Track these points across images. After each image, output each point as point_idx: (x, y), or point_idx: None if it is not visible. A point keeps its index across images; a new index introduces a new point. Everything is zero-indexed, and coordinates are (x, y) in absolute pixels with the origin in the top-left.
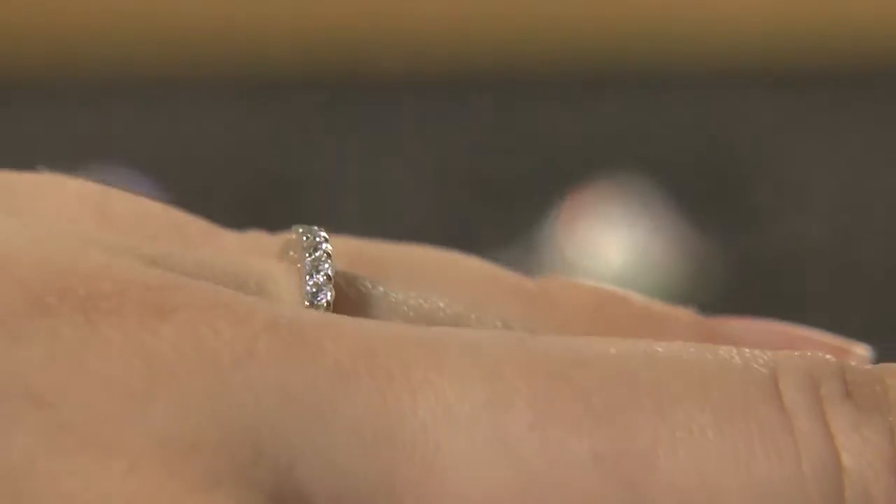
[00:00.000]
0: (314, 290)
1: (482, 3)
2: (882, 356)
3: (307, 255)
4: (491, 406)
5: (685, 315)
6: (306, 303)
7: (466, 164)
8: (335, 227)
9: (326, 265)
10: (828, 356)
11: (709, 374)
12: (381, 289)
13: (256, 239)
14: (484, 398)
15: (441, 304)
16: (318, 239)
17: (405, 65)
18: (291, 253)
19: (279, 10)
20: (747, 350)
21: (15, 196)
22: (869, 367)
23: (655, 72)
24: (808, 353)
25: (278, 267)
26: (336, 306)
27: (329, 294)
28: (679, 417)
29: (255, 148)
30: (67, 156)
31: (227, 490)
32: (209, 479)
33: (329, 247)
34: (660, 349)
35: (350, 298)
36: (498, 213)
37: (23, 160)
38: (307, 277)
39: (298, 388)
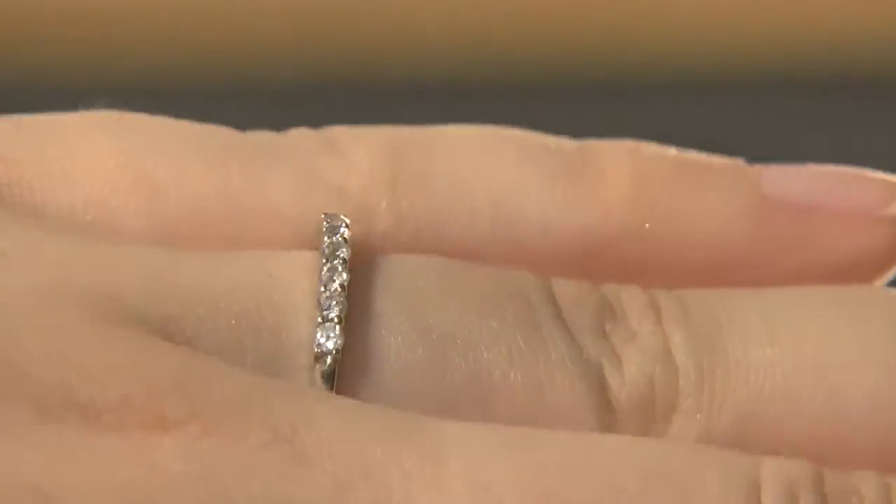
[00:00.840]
0: (327, 297)
1: (479, 7)
2: None
3: (326, 238)
4: None
5: (727, 165)
6: (319, 318)
7: None
8: None
9: (343, 250)
10: (808, 464)
11: (694, 486)
12: (394, 262)
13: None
14: None
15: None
16: (337, 223)
17: (406, 70)
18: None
19: (279, 14)
20: (733, 455)
21: (30, 189)
22: (848, 475)
23: (655, 78)
24: (790, 462)
25: (300, 266)
26: (354, 274)
27: (339, 309)
28: None
29: None
30: None
31: None
32: None
33: (347, 231)
34: (648, 460)
35: (365, 274)
36: None
37: None
38: (323, 264)
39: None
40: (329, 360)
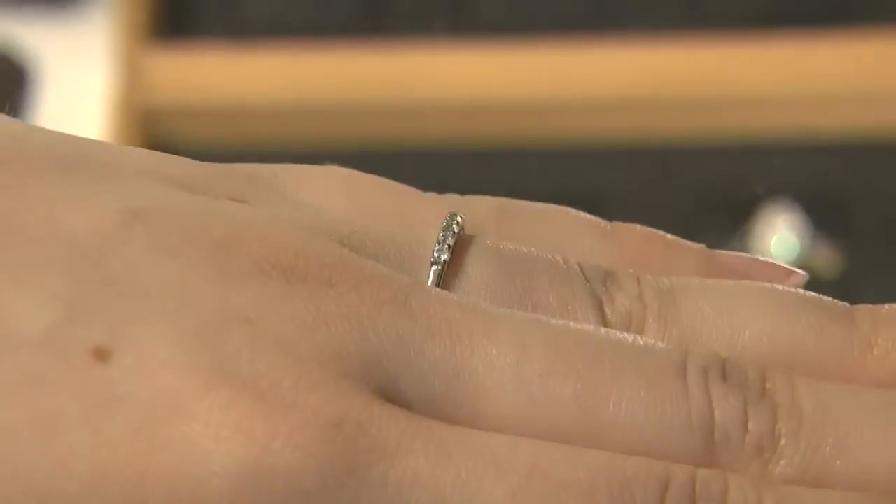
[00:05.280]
0: (439, 250)
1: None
2: None
3: (445, 221)
4: (518, 363)
5: (696, 247)
6: (431, 259)
7: None
8: None
9: (455, 228)
10: (718, 353)
11: (644, 356)
12: (488, 242)
13: (446, 205)
14: (514, 358)
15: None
16: (455, 216)
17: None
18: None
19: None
20: (665, 344)
21: (284, 185)
22: (742, 360)
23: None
24: (705, 351)
25: (431, 233)
26: (455, 248)
27: (445, 256)
28: (625, 382)
29: None
30: None
31: (350, 382)
32: (349, 379)
33: (461, 217)
34: (613, 333)
35: (465, 249)
36: None
37: None
38: (440, 236)
39: (405, 335)
40: (438, 267)
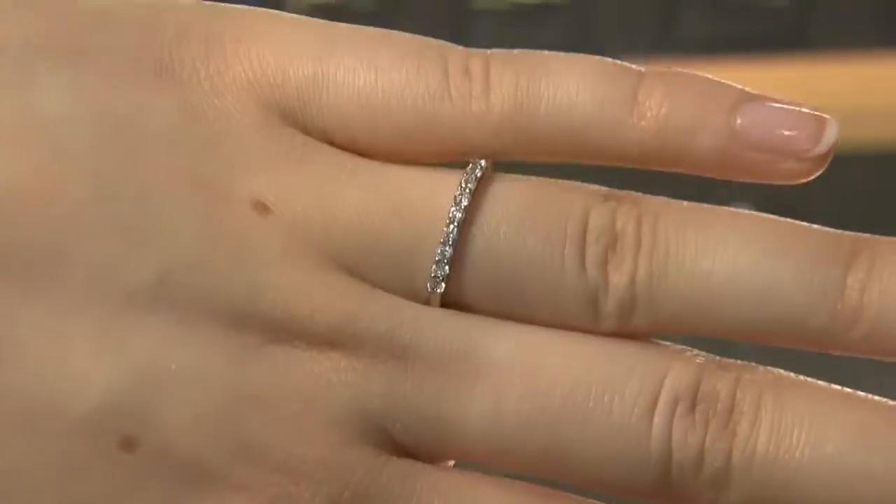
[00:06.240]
0: (460, 194)
1: None
2: None
3: (468, 172)
4: (497, 408)
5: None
6: (453, 205)
7: None
8: None
9: (476, 174)
10: (694, 376)
11: (615, 396)
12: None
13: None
14: (493, 404)
15: None
16: (477, 166)
17: None
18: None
19: None
20: (642, 373)
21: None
22: (716, 376)
23: None
24: (681, 378)
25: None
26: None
27: (466, 201)
28: (591, 433)
29: None
30: None
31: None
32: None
33: (481, 169)
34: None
35: (483, 191)
36: None
37: None
38: (461, 185)
39: (398, 394)
40: (454, 225)
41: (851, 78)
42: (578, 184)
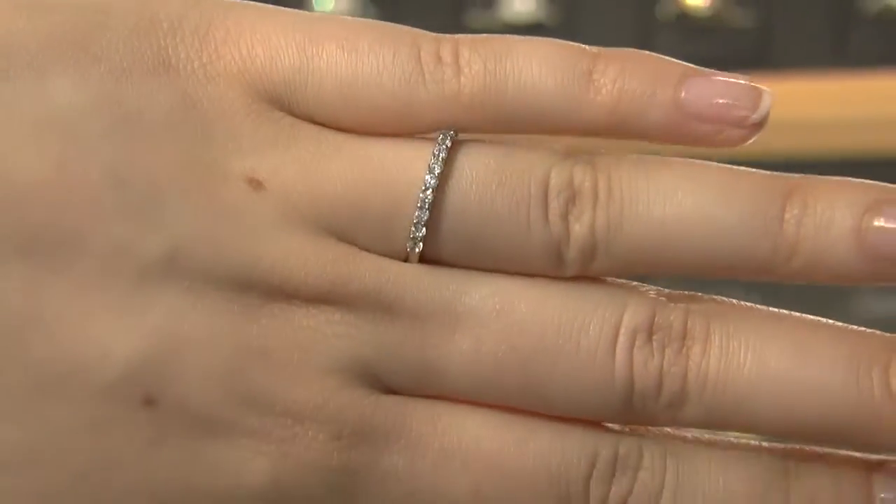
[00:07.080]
0: (434, 162)
1: None
2: None
3: (439, 142)
4: (476, 351)
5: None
6: (428, 168)
7: None
8: None
9: (447, 144)
10: (650, 308)
11: (581, 334)
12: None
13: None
14: (472, 347)
15: None
16: (448, 136)
17: None
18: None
19: None
20: (603, 310)
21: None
22: (669, 304)
23: None
24: (639, 312)
25: (423, 155)
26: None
27: (439, 168)
28: (561, 371)
29: None
30: None
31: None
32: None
33: (450, 140)
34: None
35: (453, 156)
36: None
37: None
38: (434, 154)
39: (387, 343)
40: (431, 189)
41: (808, 93)
42: (539, 145)
